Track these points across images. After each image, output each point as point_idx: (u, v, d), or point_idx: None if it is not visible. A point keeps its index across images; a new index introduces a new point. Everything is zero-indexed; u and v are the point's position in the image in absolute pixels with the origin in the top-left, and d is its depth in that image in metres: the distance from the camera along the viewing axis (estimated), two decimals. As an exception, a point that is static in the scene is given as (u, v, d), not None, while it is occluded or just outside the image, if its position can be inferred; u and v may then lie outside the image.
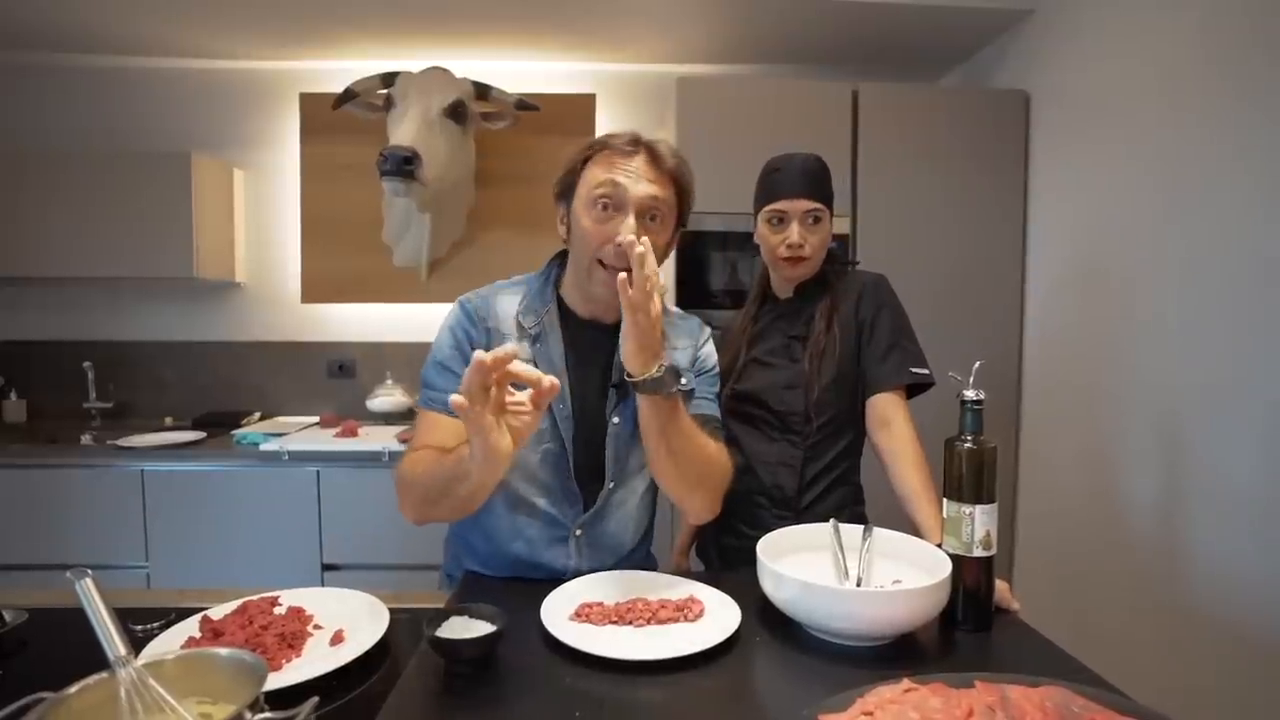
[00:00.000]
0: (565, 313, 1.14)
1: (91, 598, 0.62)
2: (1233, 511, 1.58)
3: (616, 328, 1.07)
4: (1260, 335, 1.53)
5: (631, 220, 1.01)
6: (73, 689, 0.61)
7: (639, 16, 2.42)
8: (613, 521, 1.16)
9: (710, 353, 1.23)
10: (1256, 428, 1.53)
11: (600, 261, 1.05)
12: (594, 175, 1.05)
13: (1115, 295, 1.95)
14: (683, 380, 1.05)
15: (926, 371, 1.28)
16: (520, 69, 2.81)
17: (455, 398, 0.75)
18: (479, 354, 0.75)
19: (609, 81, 2.84)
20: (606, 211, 1.03)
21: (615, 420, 1.13)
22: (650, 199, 1.03)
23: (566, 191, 1.09)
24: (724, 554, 1.37)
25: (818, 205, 1.29)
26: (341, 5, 2.33)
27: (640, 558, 1.25)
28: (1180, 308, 1.73)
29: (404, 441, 2.32)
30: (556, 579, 1.11)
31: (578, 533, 1.14)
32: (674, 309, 1.27)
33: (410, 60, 2.62)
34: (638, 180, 1.02)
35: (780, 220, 1.30)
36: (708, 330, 1.26)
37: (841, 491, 1.34)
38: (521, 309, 1.12)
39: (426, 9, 2.36)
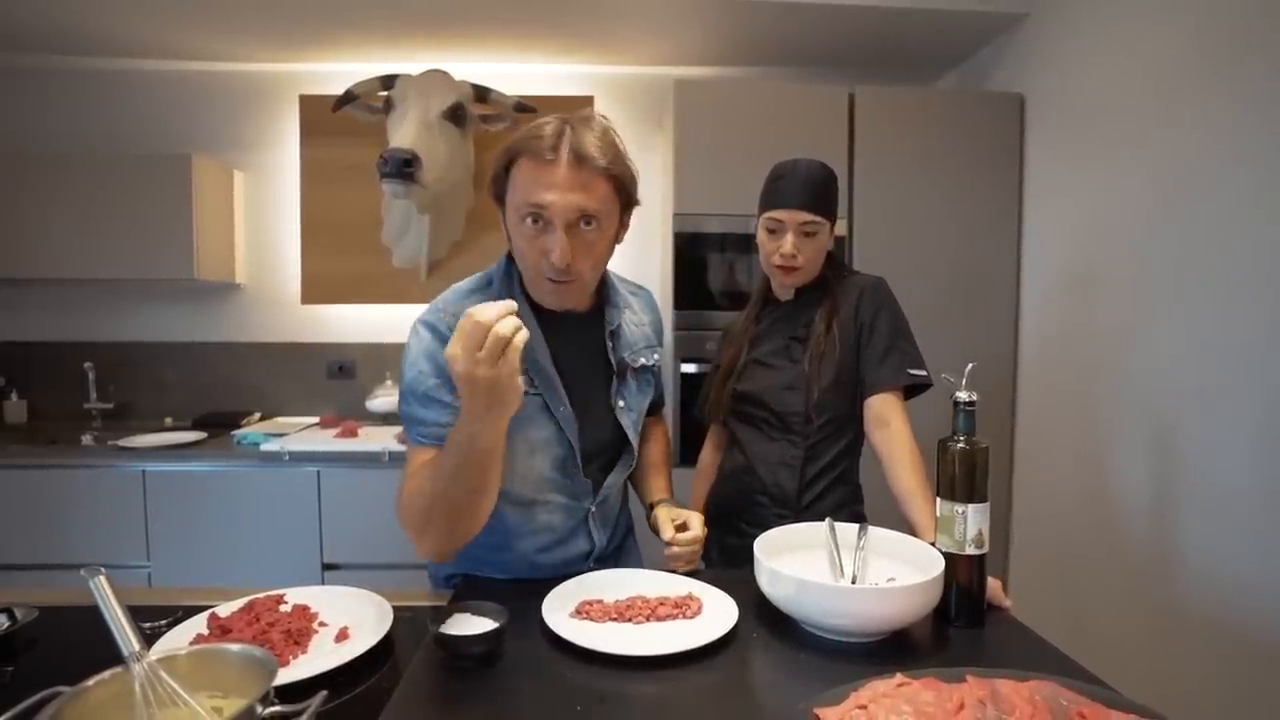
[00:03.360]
0: (537, 309, 1.10)
1: (105, 595, 0.64)
2: (1227, 512, 1.60)
3: (591, 317, 1.16)
4: (1255, 337, 1.55)
5: (560, 234, 0.97)
6: (89, 683, 0.62)
7: (637, 19, 2.43)
8: (613, 493, 1.22)
9: (662, 323, 1.32)
10: (1250, 429, 1.55)
11: (539, 273, 1.03)
12: (518, 188, 0.99)
13: (1110, 296, 1.97)
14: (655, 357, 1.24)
15: (924, 373, 1.30)
16: (519, 71, 2.82)
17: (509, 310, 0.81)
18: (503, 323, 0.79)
19: (607, 83, 2.86)
20: (537, 225, 0.99)
21: (620, 404, 1.17)
22: (578, 210, 0.97)
23: (500, 196, 1.05)
24: (725, 552, 1.39)
25: (814, 219, 1.30)
26: (341, 8, 2.34)
27: (625, 522, 1.32)
28: (1175, 309, 1.75)
29: (404, 442, 2.32)
30: (574, 569, 1.14)
31: (592, 510, 1.17)
32: (625, 279, 1.27)
33: (410, 63, 2.64)
34: (563, 193, 0.96)
35: (777, 229, 1.32)
36: (655, 305, 1.32)
37: (841, 491, 1.36)
38: None
39: (426, 12, 2.37)
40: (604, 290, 1.18)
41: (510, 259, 1.13)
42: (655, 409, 1.34)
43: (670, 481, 1.33)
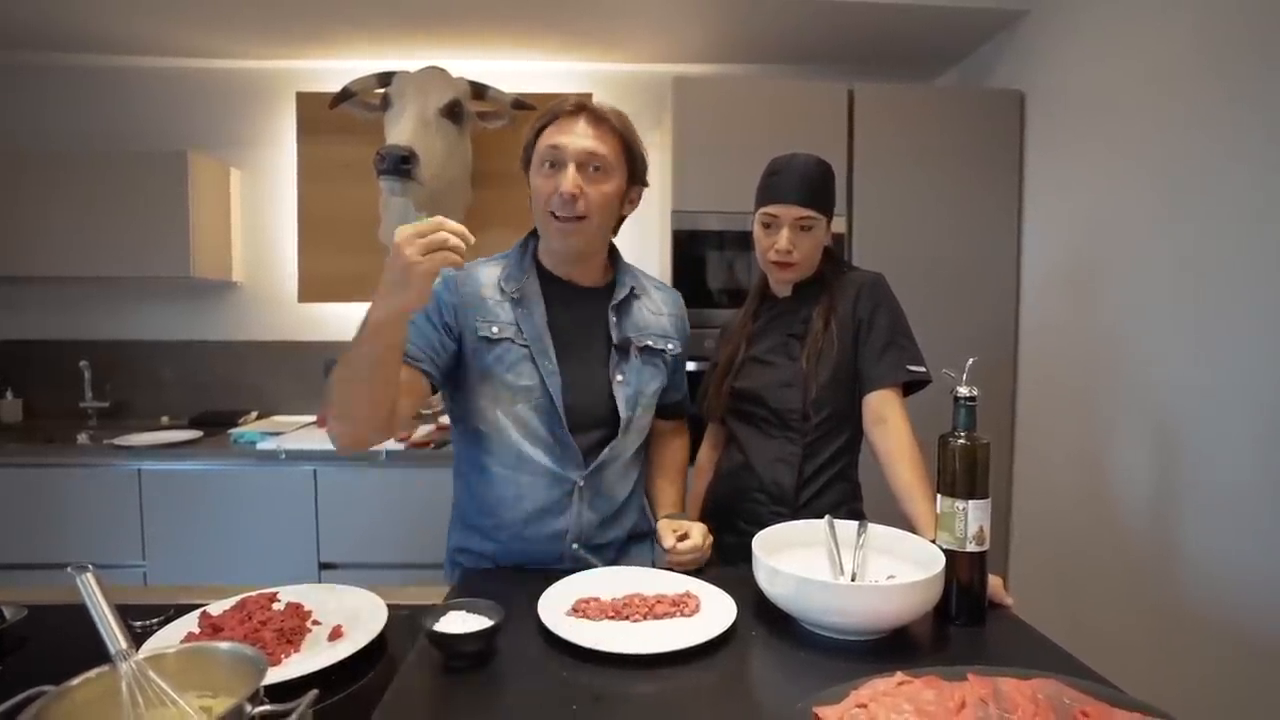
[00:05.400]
0: (546, 276, 1.21)
1: (92, 592, 0.63)
2: (1227, 509, 1.59)
3: (597, 290, 1.24)
4: (1254, 333, 1.54)
5: (571, 168, 1.11)
6: (74, 682, 0.61)
7: (635, 16, 2.42)
8: (611, 472, 1.22)
9: (688, 328, 1.37)
10: (1250, 426, 1.54)
11: (553, 214, 1.13)
12: (542, 142, 1.15)
13: (1109, 294, 1.96)
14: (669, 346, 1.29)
15: (923, 369, 1.29)
16: (517, 68, 2.81)
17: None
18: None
19: (605, 81, 2.85)
20: (553, 168, 1.13)
21: (619, 378, 1.21)
22: (587, 152, 1.11)
23: (527, 163, 1.18)
24: (723, 551, 1.37)
25: (810, 214, 1.29)
26: (339, 5, 2.33)
27: (635, 509, 1.31)
28: (1174, 306, 1.75)
29: (402, 440, 2.32)
30: (558, 552, 1.18)
31: (580, 483, 1.18)
32: (652, 277, 1.36)
33: (407, 60, 2.63)
34: (576, 138, 1.12)
35: (773, 224, 1.31)
36: (681, 306, 1.37)
37: (839, 488, 1.35)
38: (503, 276, 1.20)
39: (423, 9, 2.36)
40: (616, 270, 1.27)
41: (530, 236, 1.24)
42: (676, 410, 1.37)
43: (682, 494, 1.36)
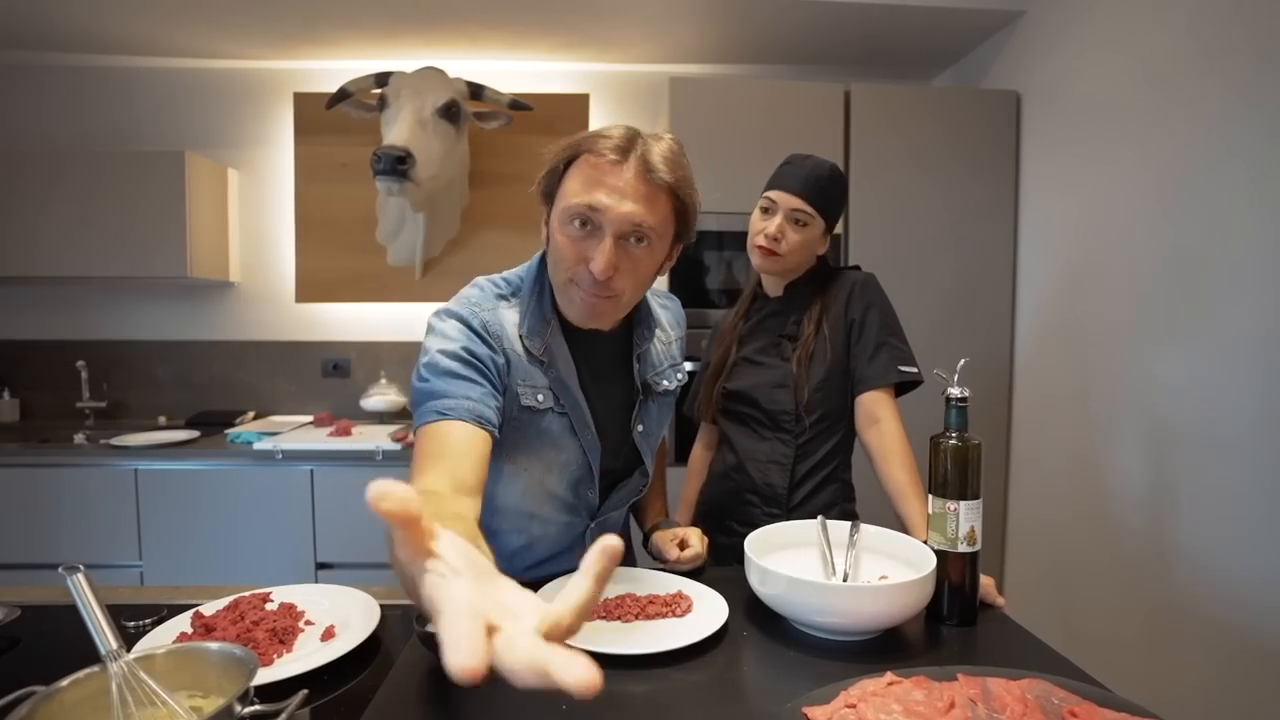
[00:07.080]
0: (567, 326, 1.03)
1: (83, 592, 0.63)
2: (1223, 510, 1.60)
3: (618, 335, 1.09)
4: (1250, 333, 1.54)
5: (609, 242, 0.90)
6: (64, 682, 0.61)
7: (632, 16, 2.42)
8: (616, 513, 1.19)
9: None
10: (1245, 427, 1.55)
11: (575, 283, 0.95)
12: (573, 186, 0.92)
13: (1106, 294, 1.97)
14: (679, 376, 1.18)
15: (915, 370, 1.29)
16: (514, 69, 2.81)
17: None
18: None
19: (602, 81, 2.85)
20: (584, 229, 0.91)
21: (640, 428, 1.12)
22: (632, 223, 0.90)
23: (549, 194, 0.97)
24: (716, 552, 1.37)
25: (806, 208, 1.29)
26: (336, 6, 2.34)
27: (624, 540, 1.28)
28: (1170, 307, 1.75)
29: (398, 440, 2.32)
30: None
31: (591, 526, 1.13)
32: (655, 290, 1.19)
33: (404, 60, 2.63)
34: (621, 199, 0.89)
35: (770, 209, 1.31)
36: (684, 318, 1.26)
37: (832, 489, 1.35)
38: (525, 330, 1.00)
39: (420, 9, 2.37)
40: (636, 309, 1.10)
41: (541, 265, 1.04)
42: None
43: (665, 500, 1.33)
